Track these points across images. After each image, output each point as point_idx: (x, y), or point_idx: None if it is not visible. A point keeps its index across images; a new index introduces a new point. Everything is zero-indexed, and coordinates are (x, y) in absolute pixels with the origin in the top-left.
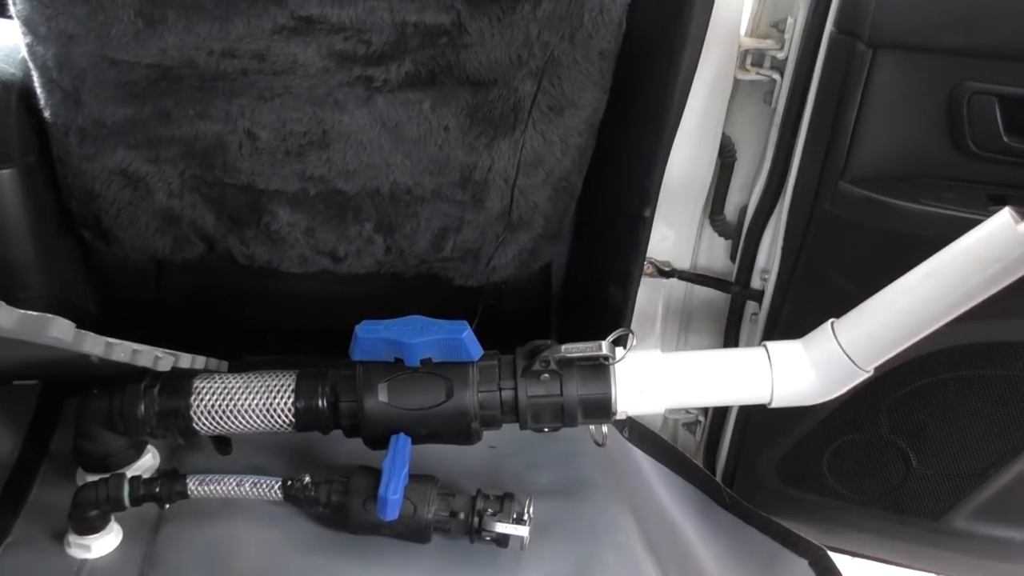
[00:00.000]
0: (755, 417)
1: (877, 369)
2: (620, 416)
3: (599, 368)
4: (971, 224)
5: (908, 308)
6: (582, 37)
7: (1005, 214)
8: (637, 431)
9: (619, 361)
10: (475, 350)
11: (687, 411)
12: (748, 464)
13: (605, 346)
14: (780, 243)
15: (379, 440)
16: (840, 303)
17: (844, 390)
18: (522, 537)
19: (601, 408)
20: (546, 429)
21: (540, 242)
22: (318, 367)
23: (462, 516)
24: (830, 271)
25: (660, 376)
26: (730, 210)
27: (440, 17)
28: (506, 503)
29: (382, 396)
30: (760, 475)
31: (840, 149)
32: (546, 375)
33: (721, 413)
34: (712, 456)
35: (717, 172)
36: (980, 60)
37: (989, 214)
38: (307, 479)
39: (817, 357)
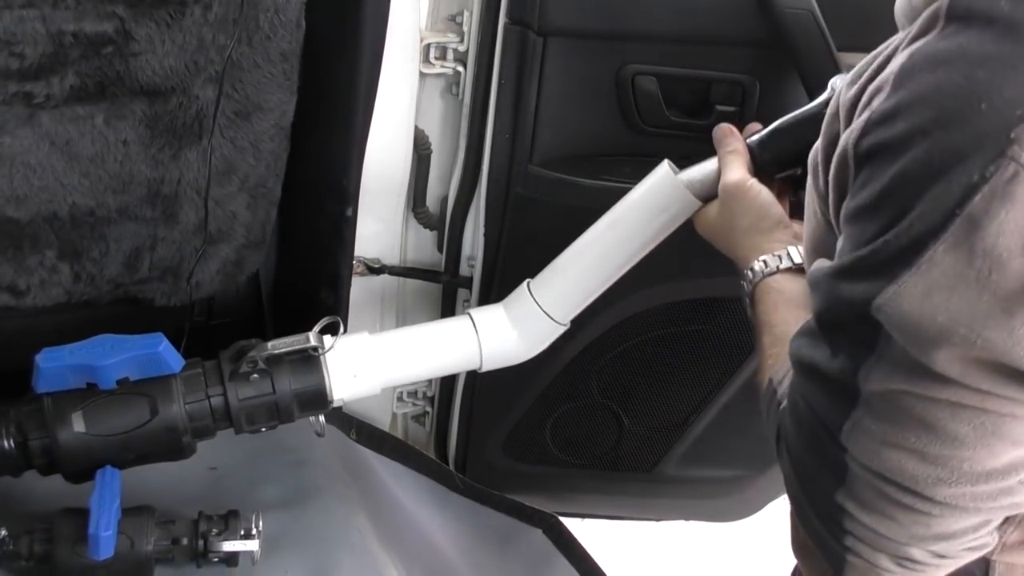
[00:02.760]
0: (479, 400)
1: (584, 337)
2: (337, 403)
3: (309, 359)
4: None
5: (593, 261)
6: (260, 39)
7: (665, 166)
8: (365, 432)
9: (329, 349)
10: (175, 362)
11: (414, 403)
12: (477, 447)
13: (312, 336)
14: (482, 229)
15: (82, 474)
16: None
17: (546, 345)
18: (252, 552)
19: (317, 399)
20: (263, 429)
21: (244, 252)
22: None
23: (185, 542)
24: (530, 251)
25: (372, 357)
26: (432, 202)
27: (101, 25)
28: (231, 520)
29: (78, 426)
30: (489, 456)
31: (526, 135)
32: (255, 375)
33: (447, 401)
34: (442, 445)
35: (415, 166)
36: (636, 43)
37: None
38: (2, 532)
39: (517, 317)
